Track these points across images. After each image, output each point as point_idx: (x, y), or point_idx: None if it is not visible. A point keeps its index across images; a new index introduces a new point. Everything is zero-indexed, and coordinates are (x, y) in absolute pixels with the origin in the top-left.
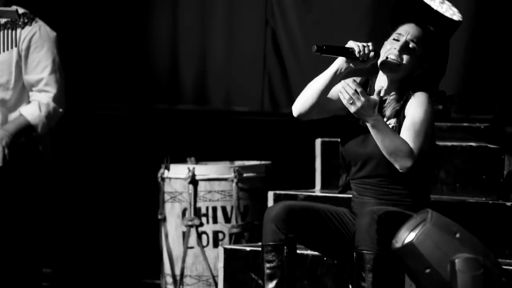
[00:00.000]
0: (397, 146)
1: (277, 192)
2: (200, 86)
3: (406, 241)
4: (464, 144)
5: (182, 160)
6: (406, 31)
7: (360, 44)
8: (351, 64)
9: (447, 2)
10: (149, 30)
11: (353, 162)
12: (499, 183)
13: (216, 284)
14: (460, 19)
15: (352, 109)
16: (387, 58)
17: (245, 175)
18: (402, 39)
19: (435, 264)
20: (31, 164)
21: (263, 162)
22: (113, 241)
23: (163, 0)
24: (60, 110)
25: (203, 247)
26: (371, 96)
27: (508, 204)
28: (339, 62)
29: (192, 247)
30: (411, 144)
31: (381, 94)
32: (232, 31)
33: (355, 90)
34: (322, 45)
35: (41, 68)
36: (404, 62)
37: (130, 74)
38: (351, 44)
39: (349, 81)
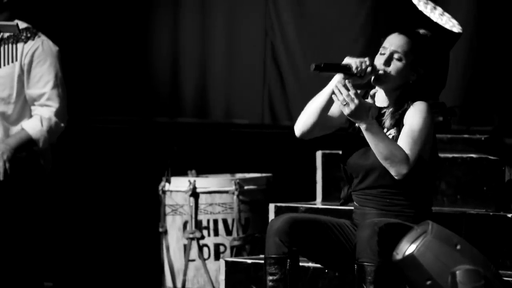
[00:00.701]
0: (391, 151)
1: (278, 204)
2: (200, 99)
3: (407, 253)
4: (464, 155)
5: (183, 173)
6: (390, 43)
7: (357, 60)
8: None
9: (447, 14)
10: (149, 44)
11: (354, 174)
12: (499, 195)
13: None
14: (460, 31)
15: (346, 110)
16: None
17: (246, 187)
18: (387, 52)
19: (436, 276)
20: (32, 178)
21: (264, 175)
22: (114, 254)
23: (164, 14)
24: (62, 125)
25: (204, 259)
26: (365, 100)
27: (509, 215)
28: (337, 79)
29: (193, 260)
30: (408, 151)
31: (380, 105)
32: (232, 44)
33: (349, 92)
34: (320, 64)
35: (43, 83)
36: (392, 72)
37: (130, 88)
38: (348, 60)
39: (343, 82)
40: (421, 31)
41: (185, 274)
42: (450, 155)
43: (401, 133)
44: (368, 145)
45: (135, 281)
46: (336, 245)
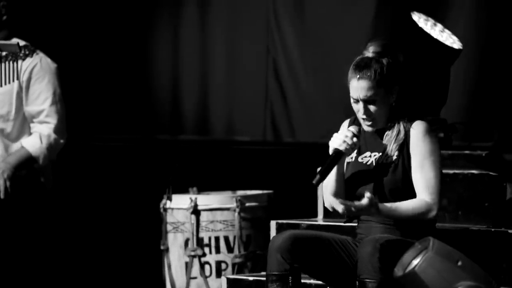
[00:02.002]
0: (413, 212)
1: (280, 221)
2: (201, 116)
3: (408, 269)
4: (466, 171)
5: (184, 190)
6: (357, 93)
7: (340, 140)
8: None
9: (447, 31)
10: (150, 61)
11: (356, 200)
12: (501, 211)
13: None
14: (461, 47)
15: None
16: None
17: (247, 204)
18: (360, 104)
19: None
20: (33, 196)
21: (265, 192)
22: (116, 272)
23: (164, 31)
24: (61, 141)
25: (206, 277)
26: (362, 201)
27: (510, 231)
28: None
29: (195, 278)
30: (427, 194)
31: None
32: (234, 61)
33: (350, 207)
34: (318, 178)
35: (42, 100)
36: (375, 114)
37: (131, 106)
38: (333, 145)
39: (342, 203)
40: (371, 51)
41: None
42: (451, 171)
43: (415, 166)
44: (366, 173)
45: None
46: (338, 261)
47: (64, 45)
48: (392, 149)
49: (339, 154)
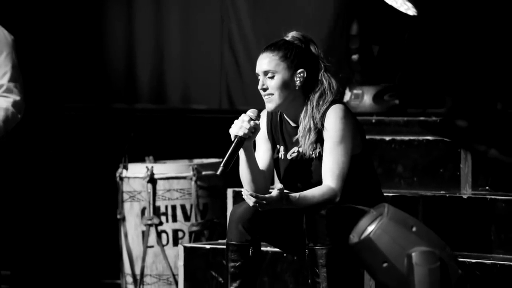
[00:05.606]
0: (321, 197)
1: (236, 189)
2: (157, 85)
3: (363, 235)
4: (420, 138)
5: (141, 159)
6: (259, 67)
7: (238, 126)
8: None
9: None
10: (104, 30)
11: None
12: (456, 176)
13: (176, 282)
14: (415, 13)
15: (260, 210)
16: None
17: (204, 173)
18: (260, 77)
19: (392, 258)
20: None
21: (221, 160)
22: (73, 241)
23: (118, 0)
24: (19, 116)
25: (163, 246)
26: (272, 194)
27: (465, 197)
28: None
29: (152, 246)
30: (332, 180)
31: (292, 120)
32: (189, 30)
33: (256, 200)
34: (222, 168)
35: (0, 74)
36: (274, 92)
37: (87, 75)
38: (233, 132)
39: (246, 193)
40: (290, 35)
41: (143, 260)
42: (406, 138)
43: (326, 152)
44: (297, 168)
45: (93, 268)
46: (296, 228)
47: (17, 15)
48: (307, 145)
49: (240, 140)
